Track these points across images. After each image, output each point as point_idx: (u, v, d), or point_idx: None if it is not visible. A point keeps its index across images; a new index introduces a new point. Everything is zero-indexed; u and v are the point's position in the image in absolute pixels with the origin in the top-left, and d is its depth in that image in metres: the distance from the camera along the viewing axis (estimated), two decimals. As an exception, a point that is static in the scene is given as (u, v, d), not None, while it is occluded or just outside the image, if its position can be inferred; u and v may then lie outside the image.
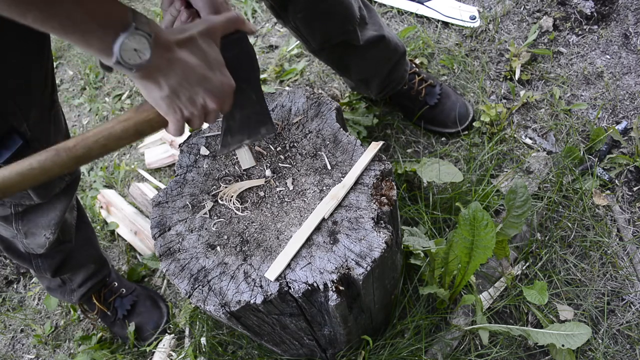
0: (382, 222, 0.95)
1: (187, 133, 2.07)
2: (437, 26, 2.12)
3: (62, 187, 1.19)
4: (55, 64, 2.64)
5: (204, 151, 1.10)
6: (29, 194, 1.10)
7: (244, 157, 1.05)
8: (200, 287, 0.92)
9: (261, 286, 0.90)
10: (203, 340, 1.53)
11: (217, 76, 0.77)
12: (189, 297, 0.92)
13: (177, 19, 0.88)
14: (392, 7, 2.21)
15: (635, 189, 1.64)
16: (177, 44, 0.72)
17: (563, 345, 1.22)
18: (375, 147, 1.02)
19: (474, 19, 2.06)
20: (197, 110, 0.78)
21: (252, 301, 0.89)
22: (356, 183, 0.99)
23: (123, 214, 1.96)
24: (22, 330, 1.85)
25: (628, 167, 1.66)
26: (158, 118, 0.79)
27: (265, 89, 2.15)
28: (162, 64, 0.70)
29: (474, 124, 1.82)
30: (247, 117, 0.93)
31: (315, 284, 0.89)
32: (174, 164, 2.05)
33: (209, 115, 0.82)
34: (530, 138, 1.80)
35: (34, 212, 1.20)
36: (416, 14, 2.16)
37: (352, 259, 0.90)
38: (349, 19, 1.40)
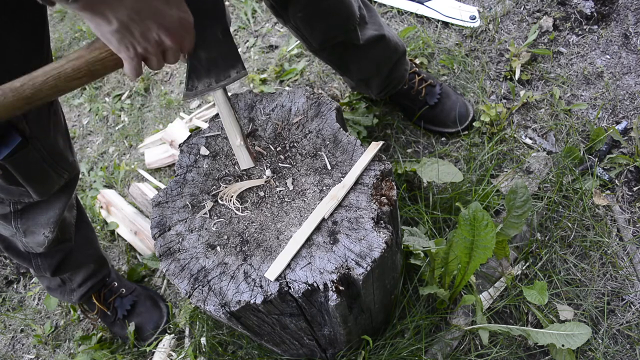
0: (382, 222, 0.95)
1: (187, 133, 2.07)
2: (437, 26, 2.12)
3: (60, 185, 1.19)
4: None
5: (204, 151, 1.10)
6: (28, 192, 1.10)
7: (243, 158, 1.05)
8: (200, 287, 0.92)
9: (261, 286, 0.90)
10: (203, 340, 1.53)
11: (173, 10, 0.72)
12: (189, 297, 0.92)
13: None
14: (392, 7, 2.21)
15: (635, 189, 1.64)
16: None
17: (563, 345, 1.22)
18: (375, 147, 1.02)
19: (474, 19, 2.06)
20: (152, 46, 0.74)
21: (252, 301, 0.89)
22: (356, 183, 0.99)
23: (123, 214, 1.96)
24: (22, 330, 1.85)
25: (628, 167, 1.66)
26: (111, 56, 0.75)
27: (265, 89, 2.15)
28: None
29: (474, 124, 1.82)
30: (213, 59, 0.88)
31: (315, 284, 0.89)
32: (174, 164, 2.04)
33: (167, 53, 0.77)
34: (530, 138, 1.80)
35: (33, 210, 1.20)
36: (416, 14, 2.16)
37: (352, 259, 0.90)
38: (349, 18, 1.40)
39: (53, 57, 1.03)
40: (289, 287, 0.90)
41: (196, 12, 0.78)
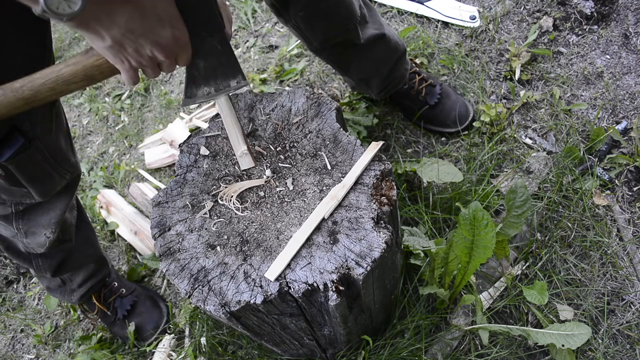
0: (382, 222, 0.95)
1: (187, 133, 2.07)
2: (437, 26, 2.12)
3: (62, 186, 1.19)
4: (55, 63, 2.63)
5: (204, 151, 1.10)
6: (30, 193, 1.10)
7: (243, 158, 1.05)
8: (200, 287, 0.92)
9: (261, 286, 0.90)
10: (203, 340, 1.53)
11: (166, 29, 0.74)
12: (189, 297, 0.92)
13: None
14: (392, 7, 2.21)
15: (635, 189, 1.64)
16: None
17: (563, 345, 1.22)
18: (375, 147, 1.02)
19: (474, 19, 2.06)
20: (145, 60, 0.76)
21: (252, 301, 0.89)
22: (356, 183, 0.99)
23: (123, 214, 1.96)
24: (22, 330, 1.85)
25: (628, 167, 1.66)
26: (107, 64, 0.77)
27: (265, 89, 2.15)
28: (100, 14, 0.67)
29: (474, 123, 1.82)
30: (212, 68, 0.89)
31: (315, 284, 0.89)
32: (174, 164, 2.04)
33: (162, 66, 0.79)
34: (530, 138, 1.80)
35: (34, 211, 1.20)
36: (416, 14, 2.16)
37: (352, 259, 0.90)
38: (349, 17, 1.40)
39: (54, 57, 1.03)
40: (289, 287, 0.90)
41: (192, 22, 0.80)
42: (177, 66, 0.84)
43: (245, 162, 1.05)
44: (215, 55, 0.88)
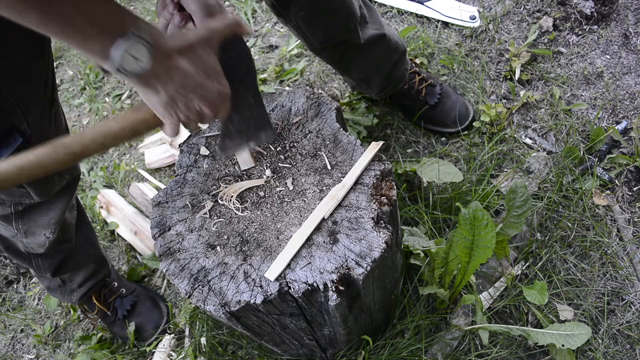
0: (382, 222, 0.95)
1: (187, 133, 2.07)
2: (437, 26, 2.12)
3: (62, 186, 1.19)
4: (55, 63, 2.64)
5: (204, 151, 1.10)
6: (29, 193, 1.10)
7: (243, 158, 1.05)
8: (200, 287, 0.92)
9: (261, 286, 0.90)
10: (203, 340, 1.53)
11: (213, 84, 0.78)
12: (189, 297, 0.92)
13: (171, 22, 0.88)
14: (392, 7, 2.21)
15: (635, 189, 1.64)
16: (177, 52, 0.72)
17: (563, 345, 1.22)
18: (375, 147, 1.02)
19: (474, 19, 2.06)
20: (193, 115, 0.80)
21: (252, 301, 0.89)
22: (356, 183, 0.99)
23: (123, 214, 1.96)
24: (22, 330, 1.85)
25: (628, 167, 1.66)
26: (154, 119, 0.80)
27: (265, 89, 2.15)
28: (161, 72, 0.71)
29: (474, 123, 1.82)
30: (245, 121, 0.93)
31: (315, 284, 0.89)
32: (174, 164, 2.04)
33: (204, 119, 0.83)
34: (530, 138, 1.80)
35: (34, 211, 1.20)
36: (416, 14, 2.16)
37: (352, 259, 0.90)
38: (350, 17, 1.40)
39: (54, 57, 1.03)
40: (289, 287, 0.90)
41: (231, 78, 0.83)
42: (218, 119, 0.87)
43: (246, 162, 1.05)
44: (249, 108, 0.92)
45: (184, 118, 0.80)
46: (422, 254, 1.35)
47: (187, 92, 0.75)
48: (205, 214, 1.01)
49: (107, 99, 2.48)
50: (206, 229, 1.00)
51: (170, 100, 0.75)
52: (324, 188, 1.00)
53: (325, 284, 0.89)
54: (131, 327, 1.64)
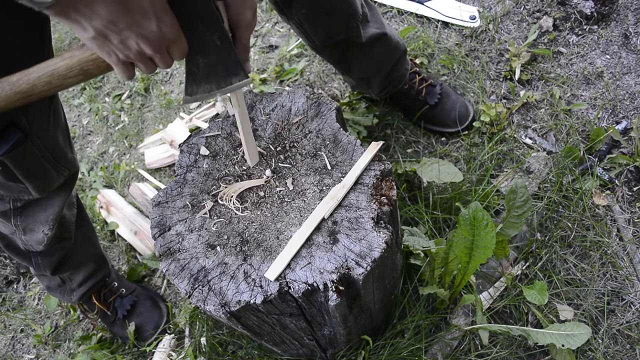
0: (382, 222, 0.95)
1: (187, 133, 2.07)
2: (437, 26, 2.12)
3: (60, 182, 1.19)
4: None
5: (204, 151, 1.10)
6: (28, 189, 1.10)
7: (252, 154, 1.04)
8: (200, 287, 0.92)
9: (261, 286, 0.90)
10: (203, 340, 1.53)
11: (151, 22, 0.72)
12: (189, 297, 0.92)
13: None
14: (392, 7, 2.21)
15: (635, 189, 1.64)
16: None
17: (563, 345, 1.22)
18: (375, 147, 1.02)
19: (474, 19, 2.06)
20: (134, 54, 0.75)
21: (252, 301, 0.89)
22: (356, 183, 0.99)
23: (123, 214, 1.96)
24: (22, 330, 1.85)
25: (628, 167, 1.66)
26: (102, 59, 0.76)
27: (265, 88, 2.15)
28: (78, 4, 0.66)
29: (474, 123, 1.82)
30: (212, 65, 0.87)
31: (315, 284, 0.89)
32: (174, 164, 2.05)
33: (155, 60, 0.78)
34: (530, 138, 1.80)
35: (32, 207, 1.20)
36: (416, 14, 2.16)
37: (352, 259, 0.90)
38: (352, 15, 1.41)
39: (54, 55, 1.03)
40: (289, 287, 0.90)
41: (187, 16, 0.78)
42: (175, 60, 0.82)
43: (254, 158, 1.05)
44: (215, 51, 0.86)
45: (124, 57, 0.74)
46: (422, 254, 1.35)
47: (120, 28, 0.70)
48: (205, 214, 1.01)
49: (107, 99, 2.48)
50: (206, 229, 1.00)
51: (100, 36, 0.70)
52: (324, 188, 1.00)
53: (325, 284, 0.89)
54: (131, 327, 1.64)
